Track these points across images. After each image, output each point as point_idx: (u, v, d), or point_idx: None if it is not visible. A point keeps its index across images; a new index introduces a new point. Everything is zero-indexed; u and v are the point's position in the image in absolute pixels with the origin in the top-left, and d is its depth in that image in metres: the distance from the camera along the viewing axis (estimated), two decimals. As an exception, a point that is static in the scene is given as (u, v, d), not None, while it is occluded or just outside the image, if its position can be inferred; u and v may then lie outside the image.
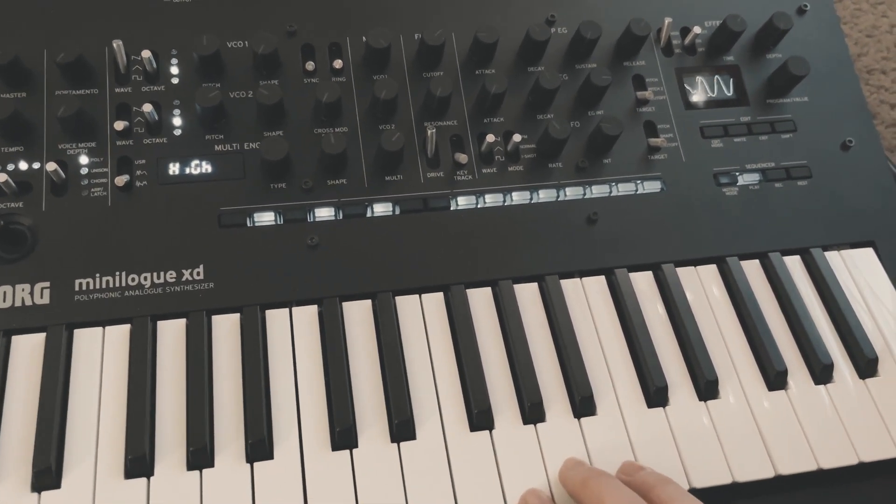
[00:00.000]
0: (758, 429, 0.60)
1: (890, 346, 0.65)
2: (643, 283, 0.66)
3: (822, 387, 0.63)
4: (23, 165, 0.63)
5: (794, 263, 0.69)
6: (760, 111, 0.74)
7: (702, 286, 0.67)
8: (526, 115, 0.71)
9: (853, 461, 0.59)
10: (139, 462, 0.54)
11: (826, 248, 0.70)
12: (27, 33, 0.67)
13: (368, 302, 0.63)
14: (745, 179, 0.71)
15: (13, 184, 0.61)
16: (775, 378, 0.62)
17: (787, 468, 0.58)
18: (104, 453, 0.55)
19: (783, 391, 0.62)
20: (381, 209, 0.66)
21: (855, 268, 0.69)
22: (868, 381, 0.64)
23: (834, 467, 0.59)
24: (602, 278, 0.66)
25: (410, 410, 0.58)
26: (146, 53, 0.66)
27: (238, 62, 0.69)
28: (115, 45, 0.65)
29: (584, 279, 0.66)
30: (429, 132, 0.67)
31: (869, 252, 0.70)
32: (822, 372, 0.63)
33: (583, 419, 0.59)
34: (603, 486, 0.52)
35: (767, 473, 0.58)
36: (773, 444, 0.59)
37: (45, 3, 0.68)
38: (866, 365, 0.64)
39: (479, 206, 0.67)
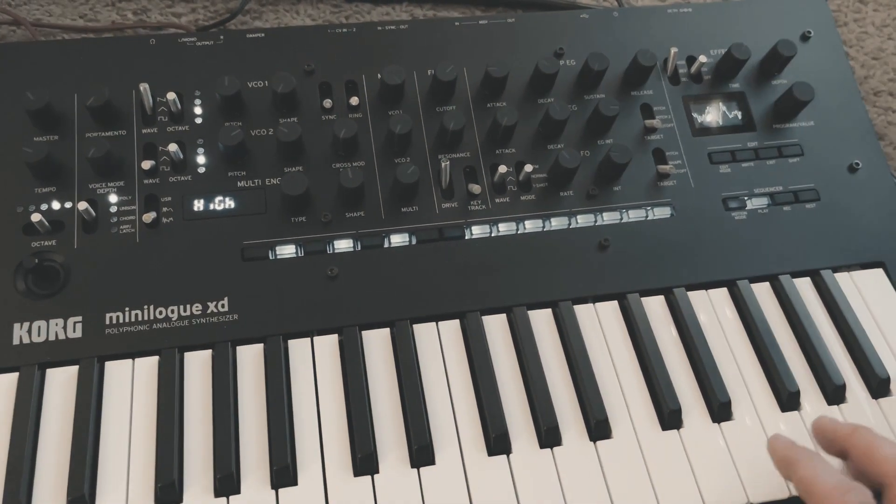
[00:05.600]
0: (772, 450, 0.61)
1: (902, 366, 0.66)
2: (655, 308, 0.68)
3: (835, 407, 0.64)
4: (55, 205, 0.65)
5: (804, 285, 0.70)
6: (767, 136, 0.76)
7: (713, 309, 0.68)
8: (537, 146, 0.73)
9: (868, 481, 0.60)
10: (168, 489, 0.56)
11: (836, 270, 0.71)
12: (58, 79, 0.70)
13: (387, 330, 0.65)
14: (753, 204, 0.73)
15: (46, 223, 0.64)
16: (788, 399, 0.63)
17: (802, 488, 0.59)
18: (135, 481, 0.57)
19: (796, 412, 0.63)
20: (397, 240, 0.68)
21: (865, 288, 0.70)
22: (881, 400, 0.64)
23: (848, 487, 0.59)
24: (615, 303, 0.68)
25: (429, 436, 0.59)
26: (171, 95, 0.69)
27: (258, 101, 0.71)
28: (141, 88, 0.68)
29: (597, 304, 0.67)
30: (443, 164, 0.69)
31: (879, 273, 0.71)
32: (834, 392, 0.64)
33: (598, 442, 0.61)
34: (815, 469, 0.51)
35: (782, 494, 0.59)
36: (787, 465, 0.60)
37: (74, 50, 0.72)
38: (879, 385, 0.64)
39: (492, 234, 0.69)
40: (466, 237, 0.69)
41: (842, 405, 0.64)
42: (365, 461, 0.58)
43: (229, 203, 0.67)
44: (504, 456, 0.59)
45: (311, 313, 0.64)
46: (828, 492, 0.49)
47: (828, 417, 0.57)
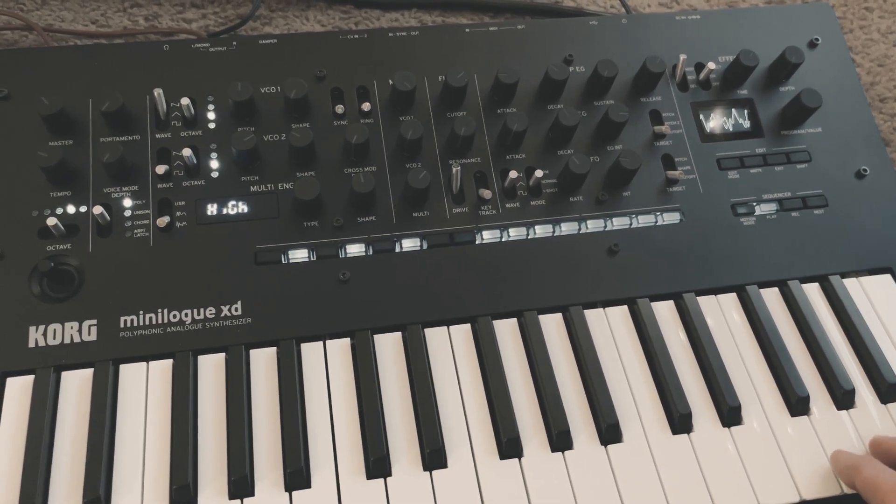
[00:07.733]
0: (781, 454, 0.61)
1: (911, 371, 0.66)
2: (665, 312, 0.68)
3: (844, 412, 0.64)
4: (70, 209, 0.66)
5: (812, 291, 0.70)
6: (775, 142, 0.76)
7: (722, 314, 0.68)
8: (547, 151, 0.73)
9: (877, 485, 0.60)
10: (183, 492, 0.56)
11: (844, 275, 0.71)
12: (73, 85, 0.71)
13: (399, 334, 0.65)
14: (762, 209, 0.73)
15: (62, 227, 0.64)
16: (797, 404, 0.63)
17: (812, 493, 0.60)
18: (150, 483, 0.57)
19: (806, 417, 0.64)
20: (409, 244, 0.68)
21: (874, 294, 0.71)
22: (890, 405, 0.65)
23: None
24: (625, 308, 0.68)
25: (441, 439, 0.60)
26: (185, 101, 0.70)
27: (271, 107, 0.72)
28: (155, 93, 0.69)
29: (606, 309, 0.68)
30: (454, 169, 0.69)
31: (887, 278, 0.72)
32: (843, 397, 0.64)
33: (609, 446, 0.61)
34: (877, 471, 0.57)
35: (792, 498, 0.59)
36: (797, 469, 0.61)
37: (89, 55, 0.72)
38: (887, 389, 0.65)
39: (503, 239, 0.69)
40: (477, 242, 0.69)
41: (851, 410, 0.64)
42: (378, 464, 0.58)
43: (242, 207, 0.68)
44: (516, 459, 0.60)
45: (323, 317, 0.65)
46: (891, 488, 0.55)
47: (885, 436, 0.62)
